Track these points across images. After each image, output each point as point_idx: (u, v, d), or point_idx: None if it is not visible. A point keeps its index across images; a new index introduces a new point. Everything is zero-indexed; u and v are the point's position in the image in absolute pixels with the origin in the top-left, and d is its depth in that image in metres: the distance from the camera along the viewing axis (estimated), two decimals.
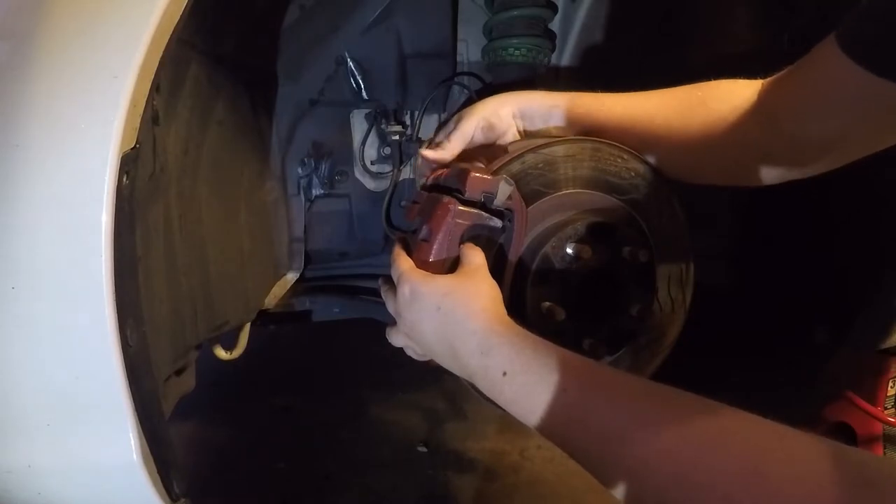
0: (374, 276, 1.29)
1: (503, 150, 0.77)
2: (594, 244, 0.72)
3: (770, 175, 0.69)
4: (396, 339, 0.68)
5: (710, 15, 1.09)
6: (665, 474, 0.42)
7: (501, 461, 1.34)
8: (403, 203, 1.20)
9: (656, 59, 1.20)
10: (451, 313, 0.58)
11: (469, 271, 0.62)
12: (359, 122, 1.18)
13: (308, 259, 1.21)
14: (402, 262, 0.66)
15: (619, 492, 0.45)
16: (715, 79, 0.71)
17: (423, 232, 0.67)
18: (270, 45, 1.05)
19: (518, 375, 0.52)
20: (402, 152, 1.17)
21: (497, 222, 0.67)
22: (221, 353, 0.96)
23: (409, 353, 0.69)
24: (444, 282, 0.61)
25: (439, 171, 0.76)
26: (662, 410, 0.46)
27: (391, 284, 0.68)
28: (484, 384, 0.56)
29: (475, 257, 0.64)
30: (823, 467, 0.37)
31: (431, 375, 1.65)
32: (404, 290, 0.63)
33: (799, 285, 0.99)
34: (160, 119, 0.62)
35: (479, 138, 0.77)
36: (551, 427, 0.50)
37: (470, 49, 1.21)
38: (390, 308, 0.68)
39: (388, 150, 1.18)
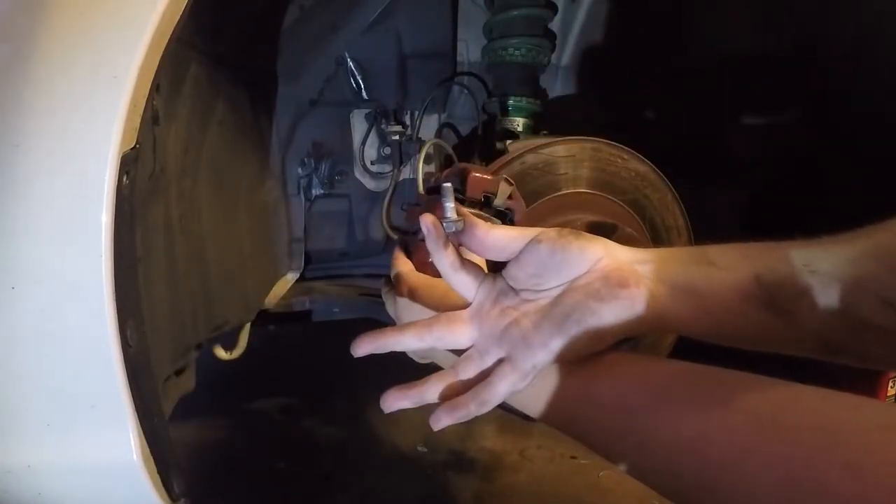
0: (374, 276, 1.29)
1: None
2: None
3: None
4: None
5: (711, 15, 1.09)
6: (678, 448, 0.40)
7: (501, 461, 1.34)
8: (404, 207, 1.20)
9: (656, 60, 1.20)
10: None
11: None
12: (359, 122, 1.18)
13: (308, 259, 1.21)
14: (401, 265, 0.66)
15: (626, 465, 0.44)
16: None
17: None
18: (270, 45, 1.05)
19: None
20: (402, 152, 1.17)
21: (497, 222, 0.67)
22: (221, 353, 0.96)
23: (411, 355, 0.69)
24: (441, 283, 0.61)
25: (442, 173, 0.76)
26: (672, 379, 0.44)
27: (392, 286, 0.68)
28: None
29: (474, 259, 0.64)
30: None
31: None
32: (403, 292, 0.63)
33: None
34: (160, 119, 0.62)
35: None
36: (558, 411, 0.49)
37: (470, 49, 1.21)
38: (390, 310, 0.68)
39: (388, 150, 1.18)
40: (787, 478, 0.33)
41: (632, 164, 0.77)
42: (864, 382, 1.11)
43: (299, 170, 1.16)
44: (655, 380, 0.45)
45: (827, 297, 0.40)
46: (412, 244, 0.70)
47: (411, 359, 0.71)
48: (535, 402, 0.50)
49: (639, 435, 0.43)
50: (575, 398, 0.48)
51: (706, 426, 0.39)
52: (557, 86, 1.29)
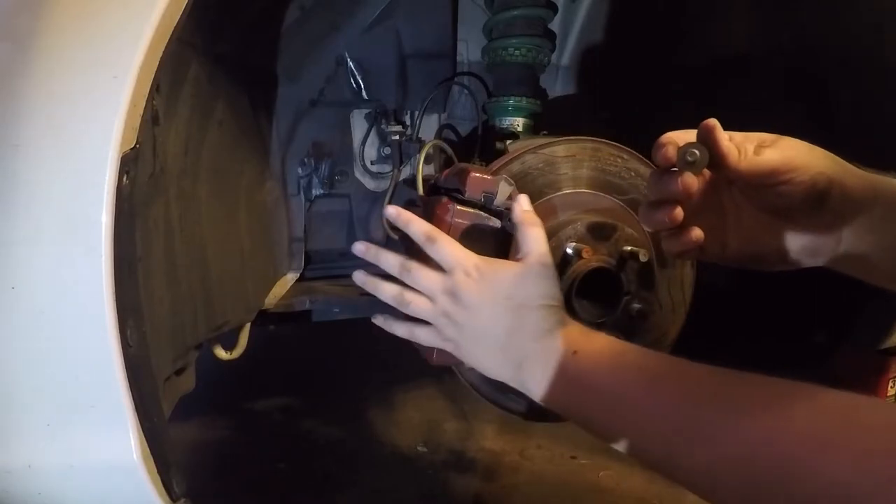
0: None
1: None
2: (594, 244, 0.72)
3: None
4: (398, 328, 0.66)
5: (710, 15, 1.09)
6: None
7: (501, 461, 1.34)
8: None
9: (656, 60, 1.20)
10: (523, 294, 0.59)
11: (532, 261, 0.62)
12: (359, 122, 1.18)
13: (308, 259, 1.21)
14: (455, 249, 0.63)
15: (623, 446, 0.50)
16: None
17: None
18: (270, 45, 1.05)
19: (588, 353, 0.54)
20: (402, 152, 1.17)
21: (496, 222, 0.67)
22: (221, 353, 0.96)
23: (420, 336, 0.65)
24: (512, 268, 0.61)
25: (442, 173, 0.76)
26: (669, 368, 0.50)
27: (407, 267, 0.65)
28: (538, 365, 0.56)
29: (538, 246, 0.62)
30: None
31: (431, 375, 1.65)
32: (470, 271, 0.61)
33: (799, 285, 0.99)
34: (160, 119, 0.62)
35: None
36: (559, 395, 0.54)
37: (470, 49, 1.21)
38: (417, 289, 0.64)
39: (388, 150, 1.18)
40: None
41: (632, 164, 0.77)
42: (865, 383, 1.11)
43: (299, 170, 1.16)
44: (651, 369, 0.50)
45: None
46: (413, 243, 0.70)
47: (411, 358, 0.71)
48: (539, 385, 0.55)
49: (633, 419, 0.48)
50: (576, 383, 0.53)
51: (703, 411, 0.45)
52: (557, 86, 1.29)
